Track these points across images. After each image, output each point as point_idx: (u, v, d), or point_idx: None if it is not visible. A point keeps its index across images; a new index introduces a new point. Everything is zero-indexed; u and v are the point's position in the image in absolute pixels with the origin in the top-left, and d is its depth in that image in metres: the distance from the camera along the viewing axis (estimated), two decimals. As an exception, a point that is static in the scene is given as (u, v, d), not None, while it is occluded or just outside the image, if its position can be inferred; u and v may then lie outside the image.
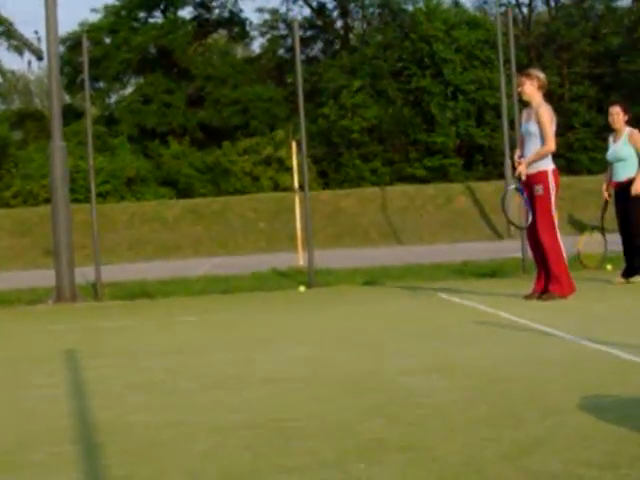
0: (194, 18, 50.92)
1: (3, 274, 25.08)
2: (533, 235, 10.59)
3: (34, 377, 6.90)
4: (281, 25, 52.10)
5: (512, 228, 14.24)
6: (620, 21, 47.65)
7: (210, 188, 42.37)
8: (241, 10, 58.13)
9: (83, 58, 15.27)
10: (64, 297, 14.21)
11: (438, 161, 44.10)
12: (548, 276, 10.46)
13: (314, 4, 52.21)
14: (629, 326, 7.91)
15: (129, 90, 51.29)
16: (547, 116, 10.47)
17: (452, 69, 44.13)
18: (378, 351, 7.32)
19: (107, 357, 7.79)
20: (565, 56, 47.16)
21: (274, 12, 52.27)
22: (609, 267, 13.71)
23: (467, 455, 3.92)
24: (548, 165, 10.50)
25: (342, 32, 52.51)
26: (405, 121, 44.44)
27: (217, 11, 51.96)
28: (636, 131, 12.04)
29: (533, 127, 10.51)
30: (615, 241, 12.90)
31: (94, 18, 50.11)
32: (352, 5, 51.99)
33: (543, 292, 10.44)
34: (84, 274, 15.83)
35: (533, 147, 10.52)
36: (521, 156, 10.65)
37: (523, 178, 10.52)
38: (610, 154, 12.24)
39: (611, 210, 12.47)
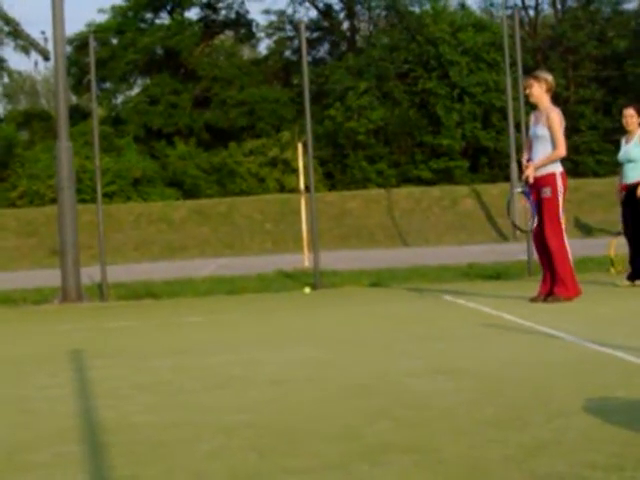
0: (201, 19, 50.98)
1: (9, 274, 25.12)
2: (539, 237, 10.57)
3: (39, 377, 6.90)
4: (287, 27, 52.18)
5: (517, 231, 14.21)
6: (627, 24, 47.63)
7: (216, 189, 42.43)
8: (247, 11, 58.29)
9: (90, 58, 15.29)
10: (70, 297, 14.23)
11: (444, 163, 44.11)
12: (554, 278, 10.44)
13: (320, 6, 52.30)
14: (634, 329, 7.90)
15: (136, 91, 51.39)
16: (558, 120, 10.44)
17: (458, 71, 44.13)
18: (384, 353, 7.31)
19: (112, 357, 7.80)
20: (571, 59, 47.15)
21: (281, 13, 52.37)
22: (614, 270, 13.68)
23: (473, 457, 3.92)
24: (556, 168, 10.48)
25: (348, 34, 52.55)
26: (411, 123, 44.45)
27: (224, 12, 52.06)
28: None
29: (542, 130, 10.47)
30: (621, 243, 12.89)
31: (101, 19, 50.31)
32: (358, 7, 52.04)
33: (549, 294, 10.43)
34: (90, 274, 15.85)
35: (542, 150, 10.48)
36: (529, 159, 10.61)
37: (531, 181, 10.49)
38: (621, 155, 12.20)
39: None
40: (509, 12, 44.57)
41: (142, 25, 49.72)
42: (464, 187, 38.75)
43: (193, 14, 51.48)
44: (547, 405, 4.90)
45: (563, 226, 10.47)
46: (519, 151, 13.04)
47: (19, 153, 43.31)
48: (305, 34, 15.78)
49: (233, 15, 52.10)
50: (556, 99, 10.93)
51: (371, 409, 5.05)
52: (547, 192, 10.41)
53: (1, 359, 8.20)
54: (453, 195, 37.23)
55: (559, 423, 4.46)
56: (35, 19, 64.93)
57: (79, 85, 48.98)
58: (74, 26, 71.05)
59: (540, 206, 10.47)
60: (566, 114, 10.73)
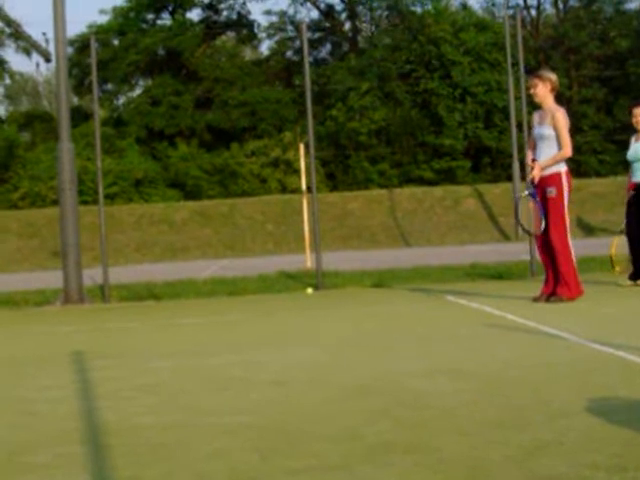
0: (202, 20, 51.01)
1: (11, 275, 25.14)
2: (543, 237, 10.54)
3: (41, 378, 6.90)
4: (289, 27, 52.21)
5: (520, 231, 14.17)
6: (629, 24, 47.63)
7: (218, 190, 42.46)
8: (249, 12, 58.31)
9: (91, 60, 15.28)
10: (71, 299, 14.22)
11: (446, 163, 44.12)
12: (556, 278, 10.43)
13: (322, 6, 52.32)
14: (636, 329, 7.89)
15: (137, 92, 51.45)
16: (564, 121, 10.42)
17: (460, 71, 44.15)
18: (385, 353, 7.31)
19: (114, 358, 7.80)
20: (573, 58, 47.15)
21: (282, 14, 52.39)
22: (617, 269, 13.65)
23: (474, 458, 3.91)
24: (561, 167, 10.44)
25: (350, 34, 52.56)
26: (413, 123, 44.46)
27: (225, 13, 52.09)
28: None
29: (547, 130, 10.42)
30: (623, 242, 12.87)
31: (102, 20, 50.41)
32: (360, 7, 52.03)
33: (551, 294, 10.42)
34: (92, 276, 15.85)
35: (547, 150, 10.43)
36: (533, 159, 10.57)
37: (536, 181, 10.45)
38: (630, 154, 12.14)
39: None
40: (511, 12, 44.46)
41: (143, 26, 49.76)
42: (466, 187, 38.75)
43: (194, 15, 51.70)
44: (548, 405, 4.89)
45: (567, 226, 10.44)
46: (521, 151, 13.01)
47: (21, 154, 43.35)
48: (307, 35, 15.78)
49: (234, 16, 52.14)
50: (559, 99, 10.92)
51: (372, 409, 5.04)
52: (552, 192, 10.37)
53: (2, 360, 8.20)
54: (455, 195, 37.22)
55: (560, 423, 4.45)
56: (36, 20, 64.97)
57: (81, 86, 49.02)
58: (75, 27, 71.28)
59: (545, 206, 10.44)
60: (568, 114, 10.71)
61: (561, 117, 10.42)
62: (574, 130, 12.36)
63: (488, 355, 6.82)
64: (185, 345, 8.61)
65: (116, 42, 49.09)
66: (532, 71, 11.62)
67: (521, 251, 17.18)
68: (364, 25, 53.58)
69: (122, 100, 51.81)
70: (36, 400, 6.00)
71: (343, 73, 46.21)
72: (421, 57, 45.07)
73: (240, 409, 5.29)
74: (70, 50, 43.62)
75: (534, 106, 10.93)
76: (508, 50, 27.08)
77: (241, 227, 35.37)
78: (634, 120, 12.13)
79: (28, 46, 49.02)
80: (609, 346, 6.75)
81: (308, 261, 19.66)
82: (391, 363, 6.72)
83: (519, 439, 4.18)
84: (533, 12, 50.60)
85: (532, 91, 10.61)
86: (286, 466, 3.94)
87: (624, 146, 12.37)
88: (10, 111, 58.14)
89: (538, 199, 10.46)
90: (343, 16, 52.88)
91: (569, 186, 10.45)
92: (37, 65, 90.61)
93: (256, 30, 53.06)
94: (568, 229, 10.45)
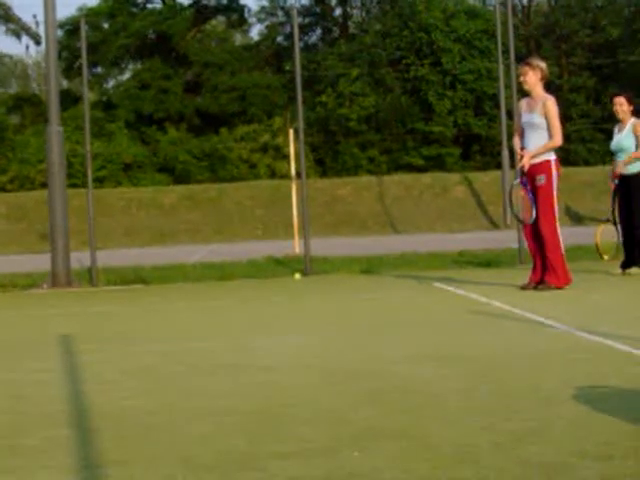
0: (192, 4, 50.82)
1: (-1, 258, 25.07)
2: (532, 224, 10.52)
3: (29, 361, 6.89)
4: (280, 12, 52.02)
5: (509, 218, 14.16)
6: (619, 12, 47.65)
7: (207, 175, 42.39)
8: (240, -4, 57.80)
9: (81, 43, 15.25)
10: (59, 282, 14.19)
11: (435, 150, 44.09)
12: (544, 266, 10.43)
13: (313, -9, 52.11)
14: (625, 317, 7.91)
15: (127, 75, 51.27)
16: (555, 109, 10.41)
17: (451, 58, 44.09)
18: (373, 339, 7.32)
19: (102, 342, 7.79)
20: (564, 47, 47.15)
21: (273, -1, 52.16)
22: (606, 257, 13.67)
23: (461, 444, 3.92)
24: (550, 155, 10.43)
25: (341, 20, 52.44)
26: (403, 110, 44.41)
27: (216, -3, 51.86)
28: None
29: (538, 119, 10.40)
30: (609, 230, 12.90)
31: (93, 3, 50.14)
32: (351, -7, 51.90)
33: (539, 282, 10.42)
34: (80, 259, 15.82)
35: (537, 139, 10.41)
36: (522, 147, 10.56)
37: (526, 169, 10.43)
38: (613, 144, 12.16)
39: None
40: (502, -1, 44.53)
41: (134, 9, 49.58)
42: (455, 174, 38.78)
43: (185, -1, 51.37)
44: (536, 393, 4.90)
45: (556, 214, 10.44)
46: (510, 138, 13.00)
47: (9, 137, 43.21)
48: (297, 20, 15.75)
49: (225, 0, 51.97)
50: (548, 87, 10.91)
51: (360, 395, 5.05)
52: (542, 180, 10.37)
53: (-10, 343, 8.18)
54: (444, 182, 37.25)
55: (548, 411, 4.46)
56: (26, 3, 64.62)
57: (70, 69, 48.81)
58: (65, 10, 70.91)
59: (534, 194, 10.43)
60: (558, 102, 10.71)
61: (552, 106, 10.41)
62: (564, 118, 12.35)
63: (476, 342, 6.83)
64: (173, 329, 8.60)
65: (106, 25, 48.90)
66: (522, 59, 11.59)
67: (509, 239, 17.19)
68: (355, 11, 53.51)
69: (112, 83, 51.68)
70: (24, 383, 6.00)
71: (333, 59, 46.13)
72: (411, 44, 45.00)
73: (228, 393, 5.29)
74: (60, 33, 43.41)
75: (524, 94, 10.92)
76: (499, 38, 27.06)
77: (230, 212, 35.34)
78: (614, 109, 12.13)
79: (18, 29, 48.86)
80: (598, 334, 6.77)
81: (297, 247, 19.66)
82: (379, 349, 6.73)
83: (507, 426, 4.19)
84: (524, 0, 50.58)
85: (522, 79, 10.59)
86: (273, 450, 3.94)
87: (612, 135, 12.37)
88: (-1, 93, 57.84)
89: (529, 187, 10.45)
90: (334, 1, 52.75)
91: (558, 174, 10.45)
92: (27, 48, 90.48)
93: (246, 15, 52.94)
94: (557, 217, 10.45)
